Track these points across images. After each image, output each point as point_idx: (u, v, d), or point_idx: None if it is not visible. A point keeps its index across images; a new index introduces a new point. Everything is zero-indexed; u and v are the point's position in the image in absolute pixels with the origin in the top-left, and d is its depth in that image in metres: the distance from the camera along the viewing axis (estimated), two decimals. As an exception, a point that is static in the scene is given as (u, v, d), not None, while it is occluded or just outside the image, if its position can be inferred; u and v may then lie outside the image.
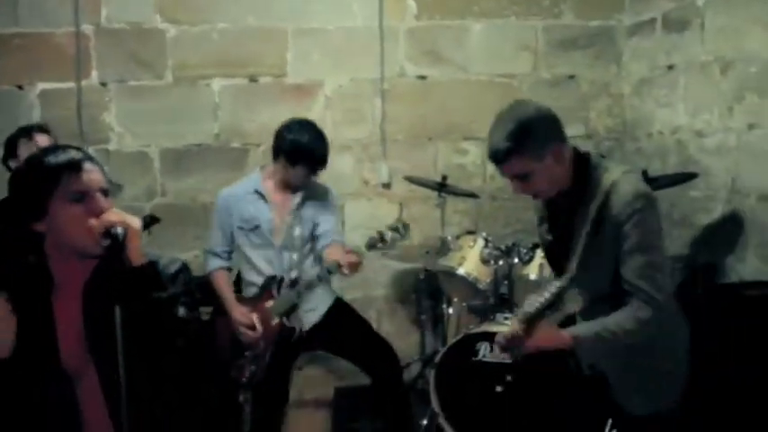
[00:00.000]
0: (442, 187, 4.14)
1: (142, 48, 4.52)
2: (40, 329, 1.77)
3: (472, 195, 4.29)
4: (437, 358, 3.63)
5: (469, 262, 3.81)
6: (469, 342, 3.49)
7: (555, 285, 2.25)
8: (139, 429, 1.70)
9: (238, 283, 3.57)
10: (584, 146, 4.62)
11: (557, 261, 2.43)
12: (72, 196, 1.75)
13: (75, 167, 1.76)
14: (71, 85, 4.48)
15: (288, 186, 3.43)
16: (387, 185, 4.66)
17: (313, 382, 4.13)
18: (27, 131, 3.63)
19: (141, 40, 4.52)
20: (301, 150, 3.30)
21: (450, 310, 4.22)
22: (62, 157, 1.77)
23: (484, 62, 4.72)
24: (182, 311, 1.84)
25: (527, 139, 2.18)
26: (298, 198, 3.43)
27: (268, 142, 4.40)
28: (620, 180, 2.24)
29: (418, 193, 4.51)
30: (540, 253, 3.63)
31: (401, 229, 3.23)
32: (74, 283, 1.81)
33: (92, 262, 1.81)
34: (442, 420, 3.50)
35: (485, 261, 3.81)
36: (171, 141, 4.57)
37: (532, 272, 3.66)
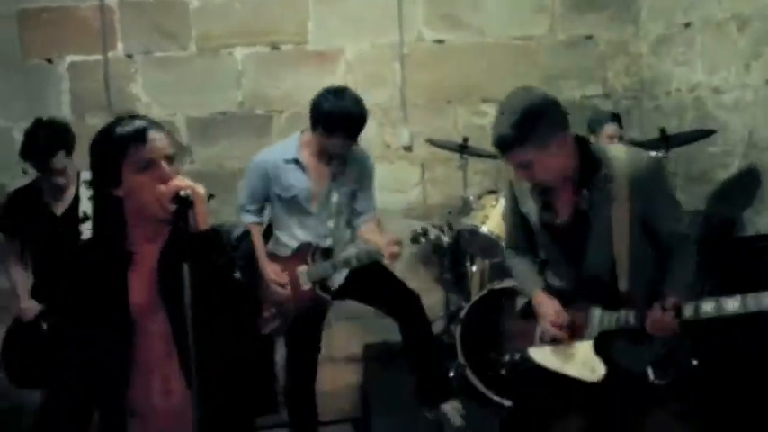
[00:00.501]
0: (463, 149, 4.23)
1: (166, 19, 4.61)
2: (113, 283, 1.95)
3: (493, 156, 4.36)
4: (462, 313, 3.76)
5: (492, 220, 3.91)
6: (494, 297, 3.61)
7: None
8: (206, 374, 1.84)
9: (268, 235, 3.63)
10: (603, 105, 4.77)
11: (567, 243, 2.49)
12: (139, 165, 1.89)
13: (139, 138, 1.89)
14: (98, 57, 4.59)
15: (325, 155, 3.42)
16: (408, 148, 4.75)
17: (343, 338, 4.26)
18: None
19: (165, 12, 4.61)
20: (338, 119, 3.24)
21: (474, 268, 4.33)
22: (128, 129, 1.91)
23: (501, 25, 4.77)
24: (239, 274, 1.97)
25: (532, 129, 2.21)
26: (335, 166, 3.44)
27: (292, 109, 4.54)
28: (629, 152, 2.40)
29: (439, 156, 4.61)
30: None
31: (445, 228, 3.34)
32: (151, 242, 1.97)
33: (167, 226, 1.95)
34: (468, 372, 3.63)
35: (507, 219, 3.91)
36: (197, 110, 4.67)
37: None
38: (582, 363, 2.49)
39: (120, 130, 1.91)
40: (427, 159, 4.77)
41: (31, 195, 3.58)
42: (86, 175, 3.47)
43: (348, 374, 4.15)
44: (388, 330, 3.78)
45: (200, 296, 1.81)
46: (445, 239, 3.36)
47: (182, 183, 1.87)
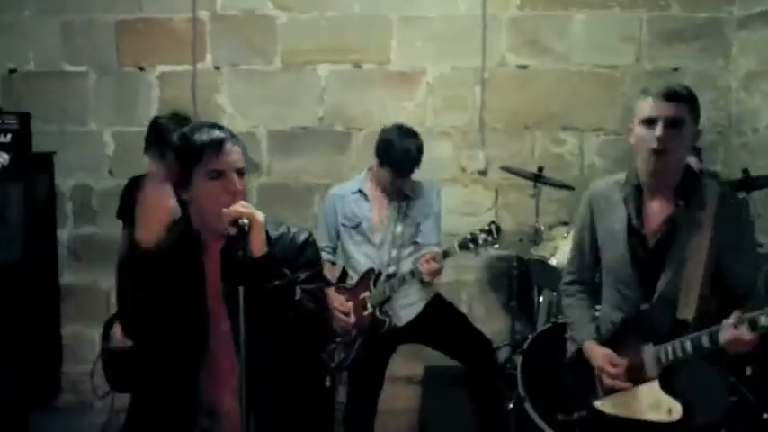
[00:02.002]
0: (537, 178, 4.21)
1: (254, 33, 4.74)
2: (192, 279, 2.07)
3: (567, 187, 4.32)
4: (525, 345, 3.72)
5: (561, 253, 3.86)
6: (557, 331, 3.56)
7: None
8: (258, 382, 1.95)
9: (343, 278, 3.72)
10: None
11: (645, 260, 2.47)
12: (211, 174, 1.98)
13: (216, 147, 1.98)
14: (187, 67, 4.76)
15: (389, 188, 3.56)
16: (483, 173, 4.74)
17: (404, 359, 4.27)
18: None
19: (253, 26, 4.74)
20: (388, 152, 3.44)
21: (541, 299, 4.29)
22: (206, 136, 1.99)
23: (586, 53, 4.71)
24: (299, 292, 2.03)
25: (696, 102, 2.40)
26: (401, 198, 3.57)
27: (370, 127, 4.59)
28: (723, 188, 2.46)
29: (514, 181, 4.58)
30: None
31: (494, 232, 3.37)
32: (214, 244, 2.09)
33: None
34: (527, 405, 3.60)
35: (577, 252, 3.86)
36: (278, 123, 4.78)
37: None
38: (652, 405, 2.41)
39: (198, 136, 1.99)
40: (501, 184, 4.75)
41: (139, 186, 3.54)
42: None
43: (407, 396, 4.17)
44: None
45: (257, 318, 1.88)
46: (489, 240, 3.35)
47: (243, 210, 1.93)
